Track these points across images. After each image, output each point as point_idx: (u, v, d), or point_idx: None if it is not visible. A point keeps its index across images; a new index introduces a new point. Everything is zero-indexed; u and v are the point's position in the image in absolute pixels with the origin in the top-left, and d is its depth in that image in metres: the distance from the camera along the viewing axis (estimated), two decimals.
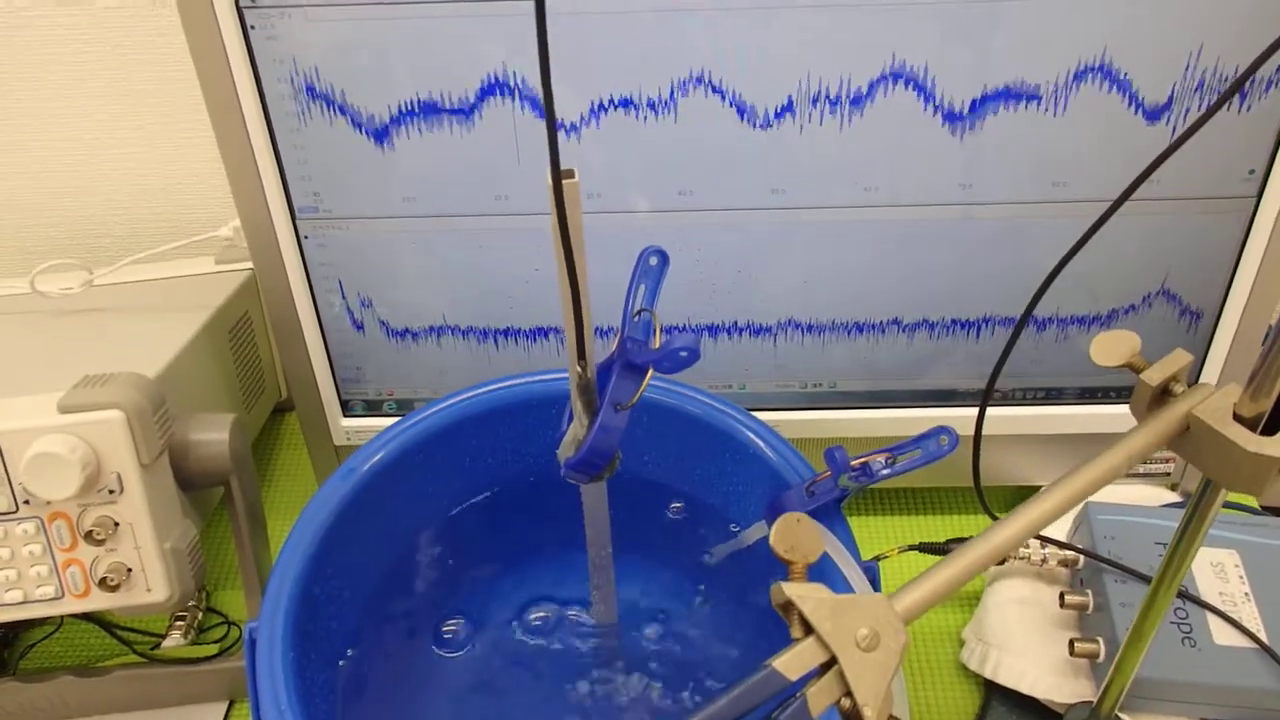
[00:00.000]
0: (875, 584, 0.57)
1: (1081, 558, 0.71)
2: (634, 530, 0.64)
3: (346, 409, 0.78)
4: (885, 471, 0.57)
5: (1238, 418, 0.44)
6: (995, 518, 0.73)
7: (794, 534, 0.42)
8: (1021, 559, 0.72)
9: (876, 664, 0.39)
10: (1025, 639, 0.71)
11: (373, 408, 0.78)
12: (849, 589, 0.53)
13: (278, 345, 0.74)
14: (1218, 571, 0.69)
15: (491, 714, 0.64)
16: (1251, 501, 0.81)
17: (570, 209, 0.40)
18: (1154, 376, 0.47)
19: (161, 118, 0.86)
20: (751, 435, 0.62)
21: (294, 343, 0.73)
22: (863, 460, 0.57)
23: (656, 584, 0.69)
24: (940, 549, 0.73)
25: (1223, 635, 0.65)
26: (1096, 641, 0.66)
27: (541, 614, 0.69)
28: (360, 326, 0.73)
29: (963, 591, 0.77)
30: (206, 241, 0.80)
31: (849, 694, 0.39)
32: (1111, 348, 0.49)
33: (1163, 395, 0.48)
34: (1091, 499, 0.73)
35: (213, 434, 0.65)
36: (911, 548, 0.73)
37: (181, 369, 0.69)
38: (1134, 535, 0.70)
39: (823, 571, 0.56)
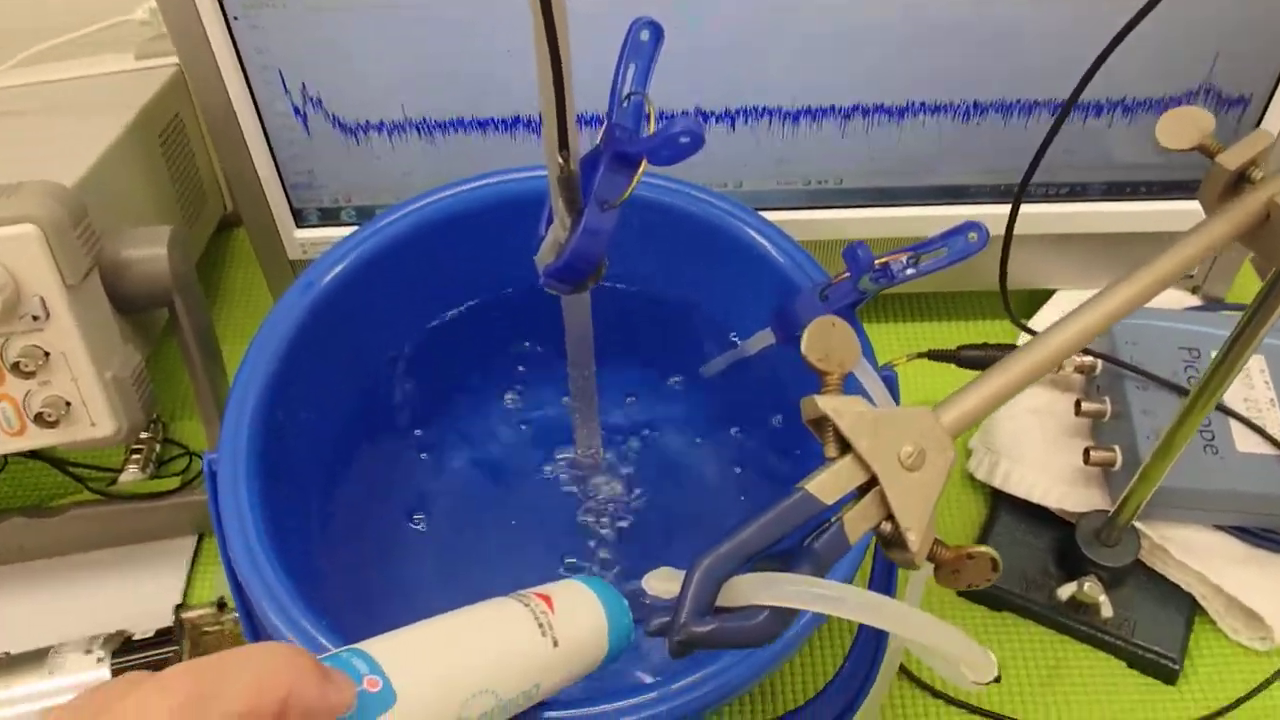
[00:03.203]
0: (894, 394, 0.53)
1: (1099, 364, 0.67)
2: (622, 342, 0.59)
3: (300, 219, 0.70)
4: (909, 272, 0.51)
5: None
6: (1020, 323, 0.69)
7: (828, 340, 0.36)
8: None
9: (921, 484, 0.35)
10: (1037, 448, 0.67)
11: (329, 217, 0.71)
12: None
13: (215, 149, 0.66)
14: (1242, 377, 0.65)
15: (475, 549, 0.60)
16: None
17: None
18: (1231, 160, 0.41)
19: None
20: (756, 235, 0.56)
21: (232, 145, 0.65)
22: (883, 261, 0.51)
23: (646, 400, 0.65)
24: (951, 356, 0.68)
25: (1246, 442, 0.62)
26: (1113, 450, 0.63)
27: (526, 436, 0.64)
28: (307, 124, 0.65)
29: None
30: (120, 30, 0.70)
31: (890, 517, 0.35)
32: (1180, 128, 0.43)
33: (1239, 182, 0.42)
34: None
35: (148, 249, 0.58)
36: (921, 355, 0.68)
37: (105, 178, 0.60)
38: (1157, 340, 0.66)
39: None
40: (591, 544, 0.60)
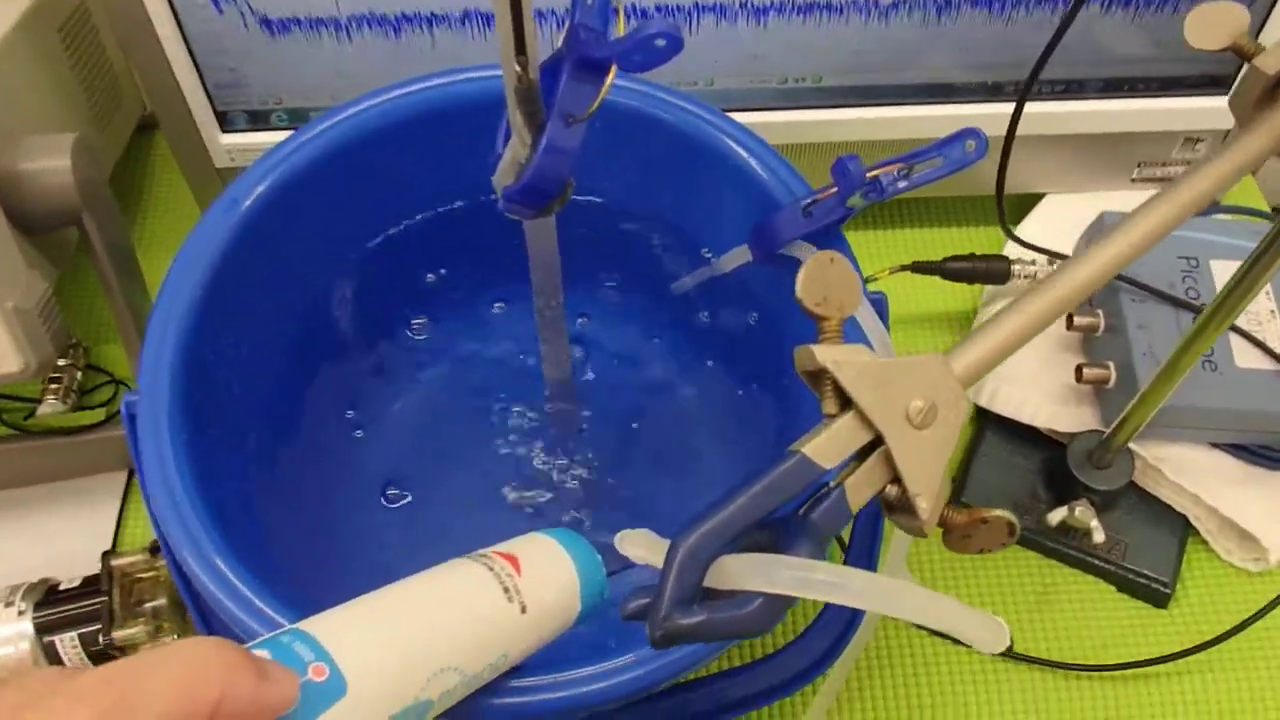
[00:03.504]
0: (884, 318, 0.48)
1: None
2: (585, 259, 0.54)
3: (225, 122, 0.63)
4: (902, 185, 0.47)
5: None
6: (1014, 234, 0.64)
7: (826, 280, 0.31)
8: (1024, 277, 0.64)
9: (932, 443, 0.31)
10: (1025, 364, 0.64)
11: (258, 120, 0.64)
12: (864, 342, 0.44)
13: (122, 45, 0.59)
14: None
15: (438, 497, 0.56)
16: None
17: None
18: (1271, 63, 0.36)
19: None
20: (734, 145, 0.51)
21: (142, 40, 0.57)
22: (873, 174, 0.46)
23: (615, 323, 0.60)
24: (937, 268, 0.64)
25: (1245, 357, 0.59)
26: (1107, 366, 0.60)
27: (489, 367, 0.59)
28: (229, 16, 0.58)
29: (953, 311, 0.69)
30: None
31: (897, 480, 0.31)
32: (1211, 26, 0.38)
33: (1278, 89, 0.37)
34: (1108, 209, 0.64)
35: (50, 160, 0.52)
36: (904, 268, 0.64)
37: None
38: (1155, 249, 0.62)
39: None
40: (563, 485, 0.56)
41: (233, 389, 0.51)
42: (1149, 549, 0.59)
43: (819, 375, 0.31)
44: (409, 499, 0.56)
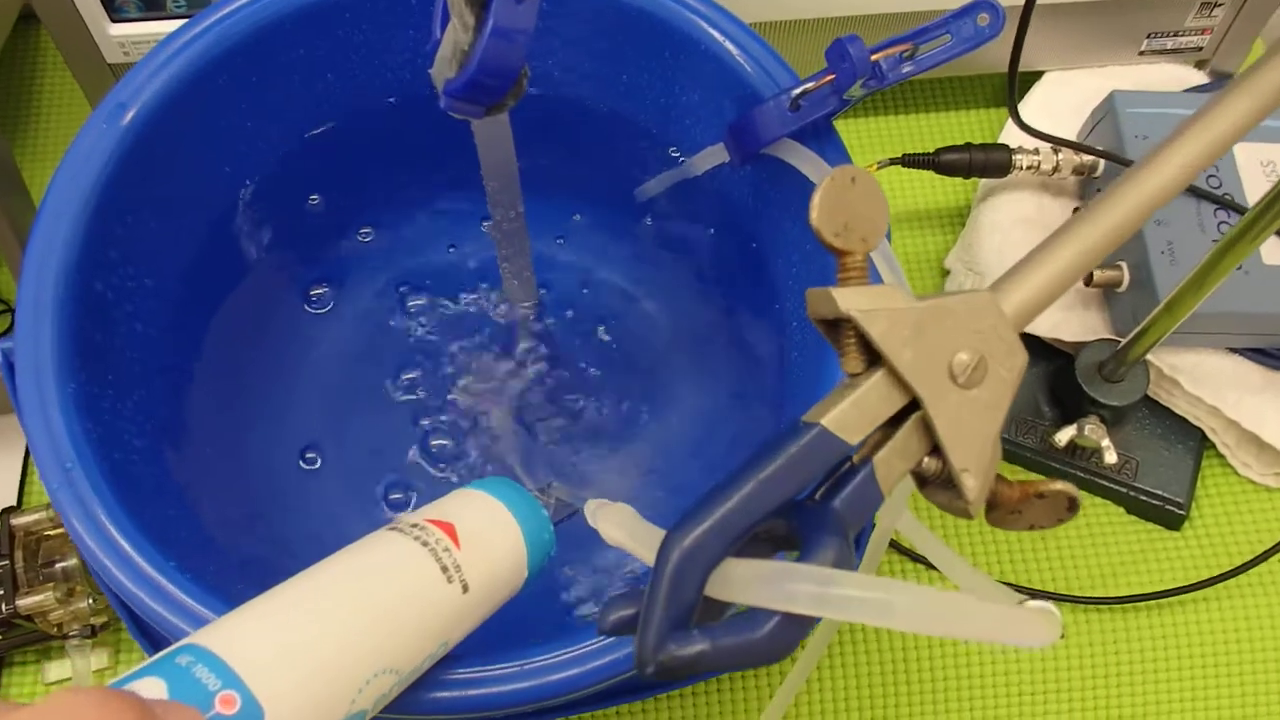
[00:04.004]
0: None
1: (1100, 163, 0.57)
2: (538, 163, 0.47)
3: (113, 9, 0.54)
4: (906, 69, 0.40)
5: None
6: (1019, 120, 0.57)
7: (847, 204, 0.25)
8: (1027, 169, 0.57)
9: (980, 405, 0.25)
10: None
11: (153, 6, 0.55)
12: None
13: None
14: (1269, 172, 0.55)
15: (378, 446, 0.50)
16: None
17: None
18: None
19: None
20: (707, 27, 0.43)
21: None
22: (875, 56, 0.39)
23: (577, 234, 0.53)
24: (930, 161, 0.57)
25: (1274, 254, 0.53)
26: (1119, 267, 0.54)
27: (423, 300, 0.52)
28: None
29: (946, 208, 0.63)
30: None
31: (936, 451, 0.25)
32: None
33: None
34: (1116, 87, 0.58)
35: None
36: (893, 161, 0.57)
37: None
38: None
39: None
40: (532, 425, 0.50)
41: (134, 327, 0.44)
42: (1161, 467, 0.54)
43: (838, 326, 0.25)
44: (334, 450, 0.49)
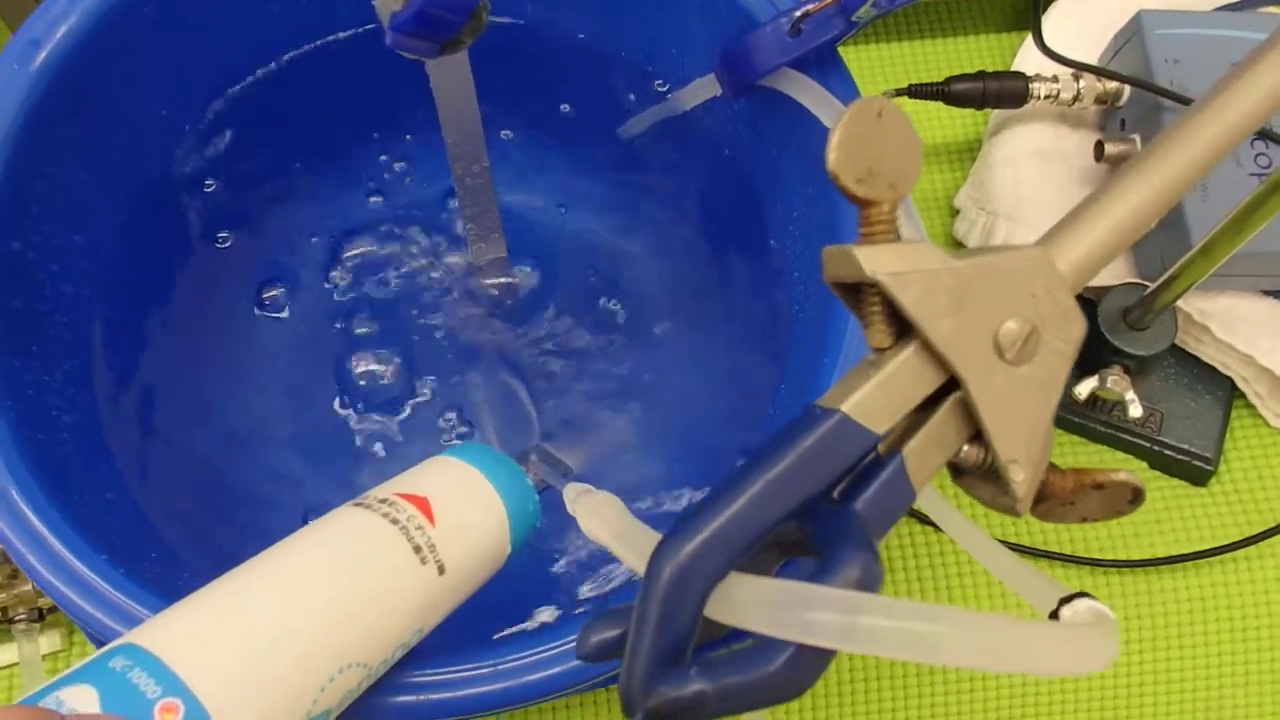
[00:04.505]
0: None
1: (1125, 90, 0.52)
2: (507, 99, 0.43)
3: None
4: None
5: None
6: (1041, 41, 0.52)
7: (872, 143, 0.20)
8: (1045, 98, 0.53)
9: (1032, 385, 0.21)
10: (1044, 204, 0.53)
11: None
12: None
13: None
14: None
15: (340, 411, 0.46)
16: None
17: None
18: None
19: None
20: None
21: None
22: None
23: (553, 180, 0.48)
24: (940, 91, 0.52)
25: None
26: None
27: (371, 249, 0.47)
28: None
29: (956, 142, 0.58)
30: None
31: (978, 438, 0.21)
32: None
33: None
34: (1145, 7, 0.53)
35: None
36: (900, 92, 0.52)
37: None
38: (1205, 55, 0.51)
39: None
40: (496, 385, 0.46)
41: (62, 289, 0.40)
42: (1188, 420, 0.50)
43: (861, 291, 0.20)
44: (294, 418, 0.45)
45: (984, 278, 0.20)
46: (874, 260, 0.20)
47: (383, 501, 0.29)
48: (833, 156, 0.20)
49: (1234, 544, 0.48)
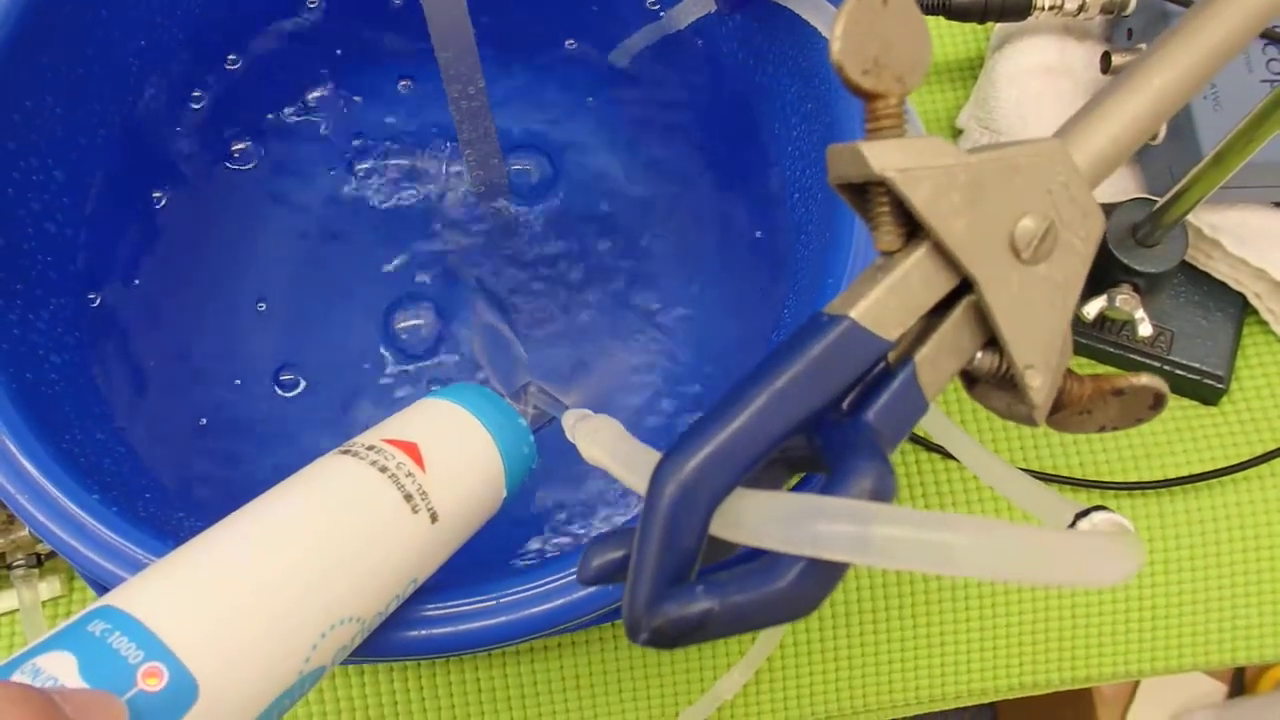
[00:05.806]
0: None
1: None
2: (495, 22, 0.41)
3: None
4: None
5: None
6: None
7: (878, 30, 0.19)
8: (1049, 9, 0.51)
9: (1049, 286, 0.20)
10: (1049, 119, 0.52)
11: None
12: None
13: None
14: None
15: (340, 350, 0.45)
16: None
17: None
18: None
19: None
20: None
21: None
22: None
23: (546, 106, 0.47)
24: (939, 5, 0.50)
25: None
26: None
27: (385, 175, 0.46)
28: None
29: (958, 59, 0.57)
30: None
31: (992, 344, 0.20)
32: None
33: None
34: None
35: None
36: None
37: None
38: None
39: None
40: (506, 318, 0.45)
41: (45, 227, 0.39)
42: (1199, 338, 0.49)
43: (867, 191, 0.19)
44: (302, 358, 0.44)
45: (999, 172, 0.19)
46: (882, 157, 0.19)
47: (370, 448, 0.28)
48: (836, 46, 0.19)
49: (1246, 462, 0.47)
